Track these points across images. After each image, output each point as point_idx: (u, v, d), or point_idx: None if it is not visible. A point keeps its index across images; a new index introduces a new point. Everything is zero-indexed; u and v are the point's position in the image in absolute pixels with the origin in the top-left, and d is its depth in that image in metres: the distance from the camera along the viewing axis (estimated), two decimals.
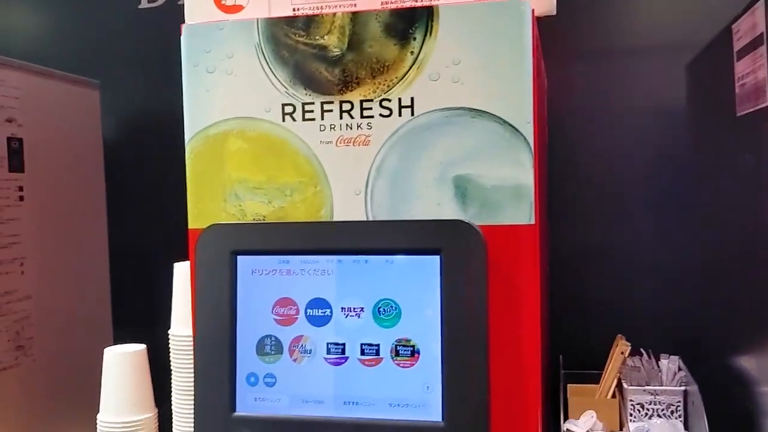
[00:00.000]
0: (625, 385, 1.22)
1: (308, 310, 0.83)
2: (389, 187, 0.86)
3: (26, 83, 1.34)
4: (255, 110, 0.89)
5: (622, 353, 1.26)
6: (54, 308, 1.39)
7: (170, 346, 1.12)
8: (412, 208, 0.86)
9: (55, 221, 1.40)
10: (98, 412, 1.12)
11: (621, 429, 1.20)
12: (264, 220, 0.89)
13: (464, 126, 0.84)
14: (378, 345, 0.82)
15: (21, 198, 1.33)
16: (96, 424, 1.13)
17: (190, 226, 0.91)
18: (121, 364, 1.10)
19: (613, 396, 1.26)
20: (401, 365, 0.81)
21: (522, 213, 0.83)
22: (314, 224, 0.85)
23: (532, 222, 0.84)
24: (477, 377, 0.78)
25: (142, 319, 1.67)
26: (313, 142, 0.87)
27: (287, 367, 0.83)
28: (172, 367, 1.11)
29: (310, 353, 0.83)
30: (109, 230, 1.55)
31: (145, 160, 1.67)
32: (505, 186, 0.83)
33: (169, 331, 1.12)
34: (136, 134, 1.67)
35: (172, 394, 1.11)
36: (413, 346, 0.81)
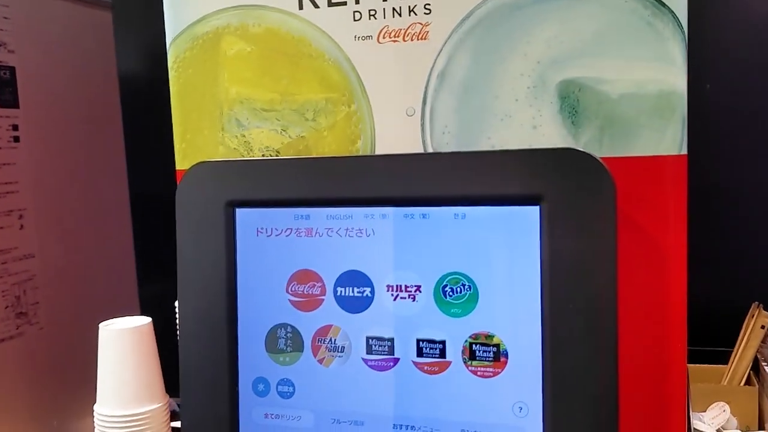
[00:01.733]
0: None
1: (338, 289, 0.54)
2: (458, 103, 0.55)
3: (19, 0, 1.07)
4: None
5: (762, 327, 0.94)
6: (63, 268, 1.14)
7: (178, 320, 0.85)
8: (493, 134, 0.55)
9: (60, 166, 1.14)
10: (95, 401, 0.87)
11: (763, 428, 0.89)
12: (277, 155, 0.60)
13: (576, 2, 0.52)
14: (443, 342, 0.52)
15: (16, 138, 1.06)
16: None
17: (177, 167, 0.63)
18: (120, 343, 0.84)
19: (748, 383, 0.94)
20: (479, 374, 0.51)
21: (669, 137, 0.51)
22: (347, 160, 0.55)
23: (683, 152, 0.52)
24: (601, 393, 0.48)
25: (171, 279, 1.42)
26: (345, 38, 0.57)
27: (310, 370, 0.54)
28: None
29: (342, 352, 0.54)
30: (129, 176, 1.29)
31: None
32: (642, 95, 0.51)
33: (176, 303, 0.85)
34: (157, 62, 1.40)
35: None
36: (497, 345, 0.51)
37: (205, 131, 0.60)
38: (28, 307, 1.07)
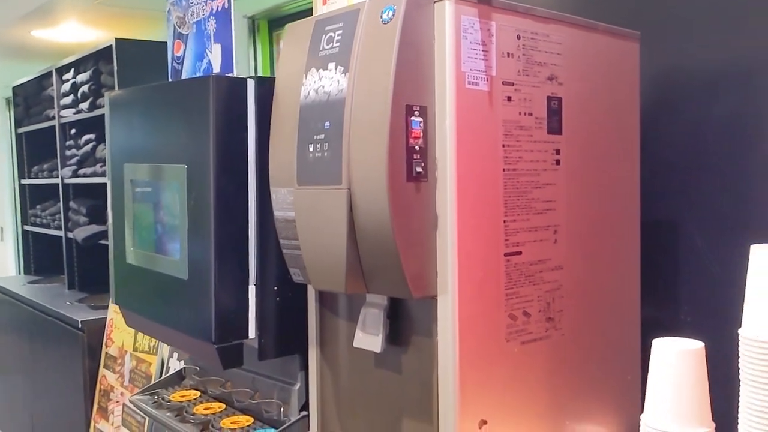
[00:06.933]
0: None
1: None
2: None
3: (570, 38, 1.17)
4: None
5: None
6: (584, 280, 1.21)
7: (739, 349, 0.83)
8: None
9: (587, 187, 1.22)
10: (640, 410, 0.91)
11: None
12: None
13: None
14: None
15: (557, 162, 1.17)
16: (638, 424, 0.91)
17: None
18: (676, 363, 0.85)
19: None
20: None
21: None
22: None
23: None
24: None
25: (669, 305, 1.41)
26: None
27: None
28: (741, 377, 0.83)
29: None
30: (642, 200, 1.32)
31: (683, 121, 1.39)
32: None
33: (740, 331, 0.83)
34: (676, 92, 1.40)
35: (740, 410, 0.83)
36: None
37: None
38: (555, 313, 1.17)
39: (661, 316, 1.39)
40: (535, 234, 1.12)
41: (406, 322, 1.13)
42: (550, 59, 1.13)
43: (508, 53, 1.08)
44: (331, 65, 1.07)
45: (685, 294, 1.39)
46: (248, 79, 1.24)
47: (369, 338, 1.13)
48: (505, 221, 1.08)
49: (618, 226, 1.28)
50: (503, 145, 1.08)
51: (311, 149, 1.08)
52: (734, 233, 1.30)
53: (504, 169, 1.08)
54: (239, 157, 1.23)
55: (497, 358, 1.08)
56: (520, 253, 1.10)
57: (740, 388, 0.79)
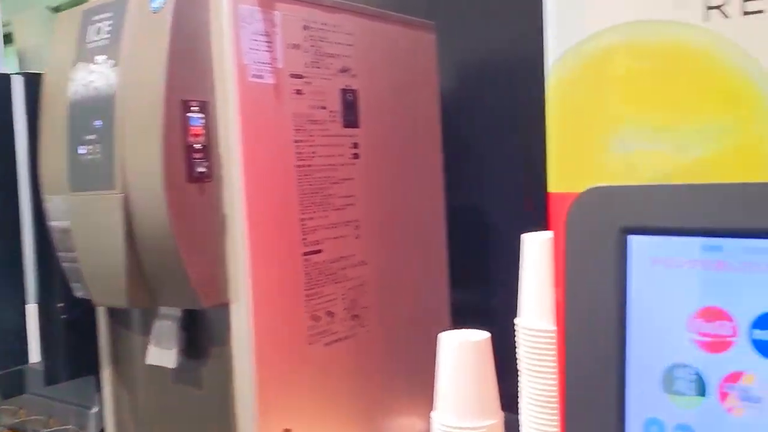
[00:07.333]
0: None
1: (754, 332, 0.47)
2: None
3: (360, 28, 1.14)
4: (657, 7, 0.54)
5: None
6: (388, 275, 1.19)
7: (517, 339, 0.84)
8: None
9: (387, 180, 1.20)
10: (432, 408, 0.89)
11: None
12: (667, 179, 0.55)
13: None
14: None
15: (355, 156, 1.14)
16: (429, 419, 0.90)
17: (550, 189, 0.61)
18: (462, 355, 0.85)
19: None
20: None
21: None
22: None
23: None
24: None
25: (481, 295, 1.43)
26: (763, 51, 0.50)
27: (715, 418, 0.49)
28: (519, 366, 0.83)
29: (757, 402, 0.47)
30: (446, 193, 1.32)
31: (486, 111, 1.41)
32: None
33: (516, 320, 0.83)
34: (477, 82, 1.41)
35: (520, 398, 0.84)
36: None
37: (585, 154, 0.57)
38: (360, 310, 1.14)
39: (472, 306, 1.40)
40: (336, 230, 1.08)
41: (204, 333, 1.06)
42: (341, 51, 1.09)
43: (295, 44, 1.03)
44: (100, 58, 0.97)
45: (496, 282, 1.41)
46: (14, 75, 1.11)
47: (162, 353, 1.04)
48: (302, 219, 1.03)
49: (422, 217, 1.27)
50: (295, 141, 1.03)
51: (83, 151, 0.98)
52: (541, 220, 1.32)
53: (297, 166, 1.03)
54: (7, 163, 1.09)
55: (300, 363, 1.03)
56: (320, 251, 1.06)
57: (519, 377, 0.78)
